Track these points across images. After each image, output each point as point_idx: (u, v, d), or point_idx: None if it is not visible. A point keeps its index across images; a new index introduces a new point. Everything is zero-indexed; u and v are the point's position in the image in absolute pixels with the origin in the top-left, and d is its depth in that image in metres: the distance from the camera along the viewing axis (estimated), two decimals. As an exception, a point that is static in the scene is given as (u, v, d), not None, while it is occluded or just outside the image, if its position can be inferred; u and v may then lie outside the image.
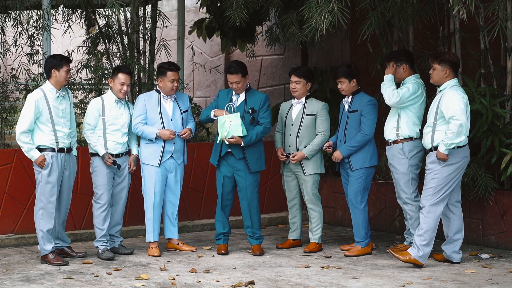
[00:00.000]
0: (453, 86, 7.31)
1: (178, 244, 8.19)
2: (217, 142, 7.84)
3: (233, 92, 7.95)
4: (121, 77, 7.82)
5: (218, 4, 10.65)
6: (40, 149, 7.41)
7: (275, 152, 8.31)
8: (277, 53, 12.25)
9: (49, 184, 7.40)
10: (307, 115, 8.09)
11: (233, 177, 7.92)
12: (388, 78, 7.74)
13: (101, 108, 7.78)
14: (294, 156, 8.04)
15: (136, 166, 7.95)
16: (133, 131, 7.96)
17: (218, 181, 8.01)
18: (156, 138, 7.86)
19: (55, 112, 7.45)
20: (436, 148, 7.29)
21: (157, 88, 8.08)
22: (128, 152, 7.95)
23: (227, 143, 7.74)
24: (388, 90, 7.66)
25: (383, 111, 8.11)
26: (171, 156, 7.95)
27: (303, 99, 8.14)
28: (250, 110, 7.84)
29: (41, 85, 8.20)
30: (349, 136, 7.88)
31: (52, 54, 7.97)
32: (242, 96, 7.92)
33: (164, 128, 7.89)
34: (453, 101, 7.18)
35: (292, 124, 8.14)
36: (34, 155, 7.38)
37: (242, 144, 7.74)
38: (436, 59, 7.41)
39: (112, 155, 7.75)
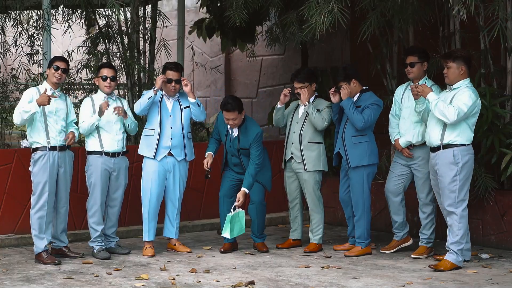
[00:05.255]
0: (468, 85, 7.17)
1: (175, 245, 8.17)
2: (222, 234, 7.92)
3: None
4: (104, 71, 7.84)
5: (218, 4, 10.65)
6: (36, 148, 7.48)
7: (274, 153, 8.31)
8: (277, 53, 12.23)
9: (40, 183, 7.43)
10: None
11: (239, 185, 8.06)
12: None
13: (92, 108, 7.75)
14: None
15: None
16: (134, 109, 7.99)
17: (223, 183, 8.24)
18: (155, 92, 7.83)
19: (48, 109, 7.48)
20: (445, 146, 7.17)
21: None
22: (125, 152, 7.94)
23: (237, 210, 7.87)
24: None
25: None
26: (170, 153, 7.94)
27: (311, 99, 8.14)
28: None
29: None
30: (348, 130, 7.84)
31: (53, 55, 7.99)
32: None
33: (161, 122, 7.90)
34: (466, 98, 7.01)
35: (297, 122, 8.15)
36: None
37: (247, 192, 7.95)
38: (449, 57, 7.20)
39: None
